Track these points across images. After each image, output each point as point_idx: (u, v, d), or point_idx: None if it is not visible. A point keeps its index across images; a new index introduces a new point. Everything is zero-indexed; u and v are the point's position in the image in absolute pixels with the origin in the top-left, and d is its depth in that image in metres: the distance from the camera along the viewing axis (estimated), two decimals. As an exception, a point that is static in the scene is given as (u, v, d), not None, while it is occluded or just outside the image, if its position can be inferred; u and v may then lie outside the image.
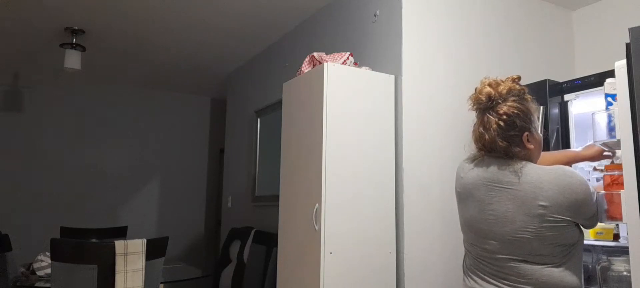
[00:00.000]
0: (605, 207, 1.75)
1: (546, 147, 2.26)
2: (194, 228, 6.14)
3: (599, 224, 2.10)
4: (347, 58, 2.62)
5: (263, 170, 4.28)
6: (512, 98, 1.61)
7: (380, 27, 2.86)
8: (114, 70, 5.26)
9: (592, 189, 1.62)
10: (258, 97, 4.52)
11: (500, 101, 1.60)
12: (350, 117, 2.49)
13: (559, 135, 2.31)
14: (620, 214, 1.69)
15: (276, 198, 2.84)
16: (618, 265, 1.87)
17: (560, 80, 2.38)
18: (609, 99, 1.94)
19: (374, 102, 2.58)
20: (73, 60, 4.03)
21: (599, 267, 2.04)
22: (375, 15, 2.92)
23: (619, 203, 1.70)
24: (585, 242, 2.19)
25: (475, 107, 1.67)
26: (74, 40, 4.03)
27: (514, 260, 1.60)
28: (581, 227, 1.65)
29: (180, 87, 5.97)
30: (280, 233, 2.73)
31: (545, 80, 2.36)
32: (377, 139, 2.56)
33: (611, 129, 1.93)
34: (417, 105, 2.67)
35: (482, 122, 1.64)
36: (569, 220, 1.57)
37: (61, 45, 4.08)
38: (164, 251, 2.78)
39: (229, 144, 5.29)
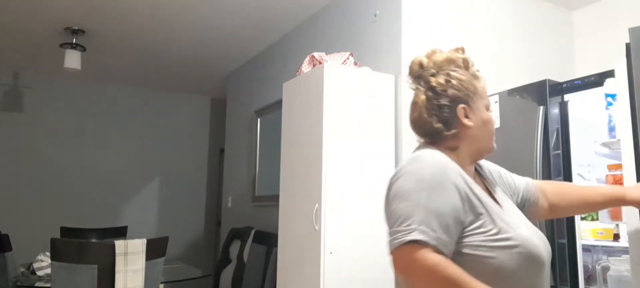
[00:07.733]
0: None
1: (546, 148, 2.26)
2: (194, 228, 6.14)
3: (599, 224, 2.10)
4: (347, 58, 2.62)
5: (263, 170, 4.27)
6: (451, 67, 1.33)
7: (380, 27, 2.86)
8: (114, 70, 5.26)
9: (414, 196, 1.07)
10: (258, 97, 4.52)
11: (434, 70, 1.31)
12: (350, 116, 2.49)
13: (558, 135, 2.31)
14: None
15: (276, 198, 2.84)
16: (618, 265, 1.87)
17: (560, 80, 2.38)
18: (609, 98, 1.94)
19: (374, 102, 2.58)
20: (73, 60, 4.03)
21: (599, 267, 2.04)
22: (375, 15, 2.91)
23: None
24: (585, 242, 2.19)
25: (410, 82, 1.35)
26: (74, 40, 4.03)
27: None
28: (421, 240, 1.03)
29: (180, 87, 5.97)
30: (280, 233, 2.73)
31: (545, 80, 2.36)
32: (377, 139, 2.56)
33: (611, 129, 1.93)
34: (417, 105, 2.67)
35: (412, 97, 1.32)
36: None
37: (61, 45, 4.08)
38: (164, 251, 2.78)
39: (229, 144, 5.29)
